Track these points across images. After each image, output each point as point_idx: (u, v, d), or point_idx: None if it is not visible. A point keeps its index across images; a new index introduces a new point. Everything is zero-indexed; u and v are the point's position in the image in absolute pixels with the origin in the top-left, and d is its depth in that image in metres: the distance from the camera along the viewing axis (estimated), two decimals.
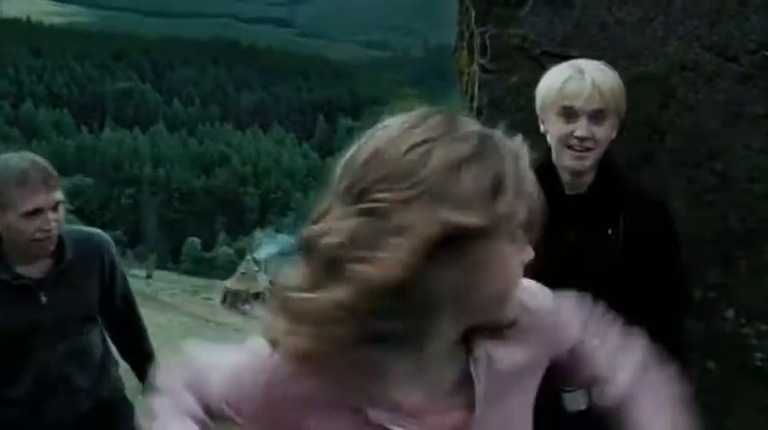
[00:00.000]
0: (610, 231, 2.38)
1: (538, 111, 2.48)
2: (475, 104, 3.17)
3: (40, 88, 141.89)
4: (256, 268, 55.86)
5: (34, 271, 2.69)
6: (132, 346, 3.12)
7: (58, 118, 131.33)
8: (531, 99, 3.01)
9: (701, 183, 2.87)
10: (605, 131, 2.36)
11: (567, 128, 2.36)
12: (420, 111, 1.11)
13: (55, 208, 2.61)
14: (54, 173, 2.66)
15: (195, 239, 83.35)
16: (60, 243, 2.71)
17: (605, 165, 2.43)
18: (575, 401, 2.30)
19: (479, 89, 3.13)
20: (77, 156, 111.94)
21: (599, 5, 2.94)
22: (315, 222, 1.07)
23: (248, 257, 58.97)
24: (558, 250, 2.06)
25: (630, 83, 2.86)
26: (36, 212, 2.56)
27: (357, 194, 1.03)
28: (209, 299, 44.01)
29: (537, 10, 3.00)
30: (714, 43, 2.85)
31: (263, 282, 54.28)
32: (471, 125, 1.10)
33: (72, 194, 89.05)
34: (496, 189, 1.04)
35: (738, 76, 2.84)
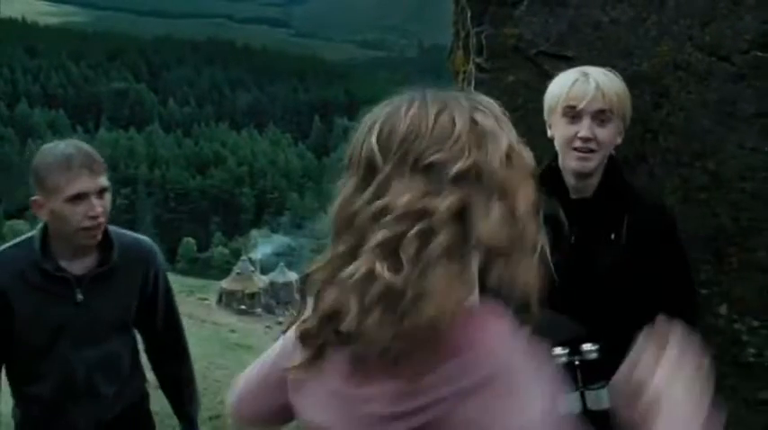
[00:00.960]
0: (613, 235, 2.41)
1: (545, 117, 2.51)
2: None
3: (35, 88, 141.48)
4: (252, 268, 55.82)
5: (76, 267, 2.63)
6: (168, 368, 3.00)
7: (54, 118, 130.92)
8: (527, 98, 3.06)
9: (694, 181, 2.89)
10: (609, 133, 2.40)
11: (571, 129, 2.40)
12: (409, 92, 1.31)
13: (100, 194, 2.55)
14: (100, 158, 2.59)
15: (190, 240, 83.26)
16: (108, 242, 2.65)
17: (610, 171, 2.47)
18: (597, 400, 2.30)
19: (475, 88, 3.15)
20: None
21: (593, 5, 2.97)
22: (370, 202, 1.20)
23: (244, 257, 58.89)
24: (562, 253, 2.06)
25: (624, 82, 2.90)
26: (80, 197, 2.50)
27: (412, 162, 1.19)
28: (205, 299, 43.99)
29: (532, 10, 3.03)
30: (707, 43, 2.88)
31: (258, 282, 54.29)
32: (451, 93, 1.30)
33: None
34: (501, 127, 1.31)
35: (731, 76, 2.86)
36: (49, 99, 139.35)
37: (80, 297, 2.61)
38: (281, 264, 55.12)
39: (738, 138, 2.85)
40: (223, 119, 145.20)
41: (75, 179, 2.49)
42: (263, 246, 63.10)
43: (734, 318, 2.94)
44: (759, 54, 2.84)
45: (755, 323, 2.92)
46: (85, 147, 2.60)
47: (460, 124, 1.22)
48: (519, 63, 3.06)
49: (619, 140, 2.46)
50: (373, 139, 1.23)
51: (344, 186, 1.26)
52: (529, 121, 3.05)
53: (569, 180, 2.47)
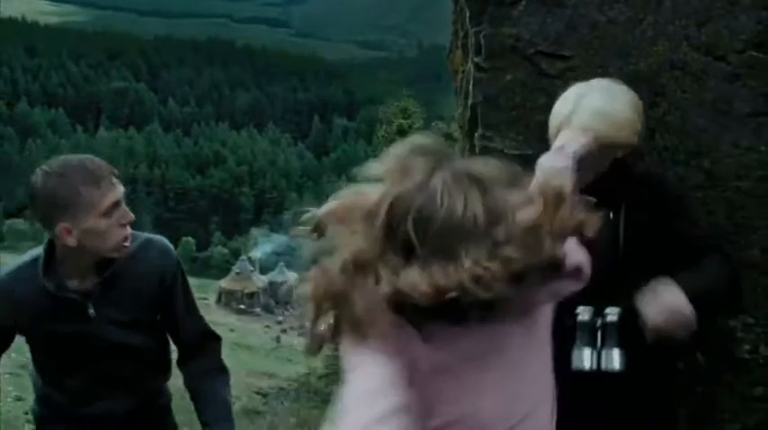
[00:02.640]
0: (611, 215, 2.46)
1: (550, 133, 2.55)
2: (470, 102, 3.22)
3: (35, 88, 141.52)
4: (251, 268, 55.85)
5: (82, 284, 2.53)
6: (194, 374, 2.83)
7: (54, 117, 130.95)
8: (525, 97, 3.09)
9: (690, 180, 2.91)
10: (590, 154, 2.40)
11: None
12: (435, 167, 1.53)
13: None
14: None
15: (190, 239, 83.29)
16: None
17: (620, 166, 2.50)
18: (611, 360, 2.36)
19: (474, 87, 3.18)
20: None
21: (590, 5, 2.99)
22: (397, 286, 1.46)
23: (243, 257, 58.92)
24: None
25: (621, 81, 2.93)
26: (115, 206, 2.42)
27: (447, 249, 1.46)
28: (204, 298, 43.98)
29: (530, 10, 3.05)
30: (703, 43, 2.90)
31: (257, 281, 54.31)
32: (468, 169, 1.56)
33: None
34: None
35: (727, 75, 2.88)
36: (48, 98, 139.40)
37: (92, 311, 2.53)
38: (281, 263, 55.15)
39: (734, 138, 2.87)
40: (223, 118, 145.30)
41: (107, 190, 2.41)
42: (263, 244, 63.13)
43: (729, 316, 2.96)
44: (755, 54, 2.86)
45: (750, 320, 2.94)
46: (90, 157, 2.50)
47: (480, 213, 1.48)
48: (517, 62, 3.08)
49: (620, 154, 2.47)
50: (409, 225, 1.47)
51: (376, 249, 1.50)
52: (526, 120, 3.08)
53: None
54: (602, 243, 2.44)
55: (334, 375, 19.49)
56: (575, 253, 1.68)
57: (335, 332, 1.58)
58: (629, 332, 2.32)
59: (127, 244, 2.50)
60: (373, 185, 1.57)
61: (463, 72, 3.38)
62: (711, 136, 2.88)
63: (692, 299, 2.28)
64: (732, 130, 2.87)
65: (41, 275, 2.49)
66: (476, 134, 3.21)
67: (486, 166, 1.57)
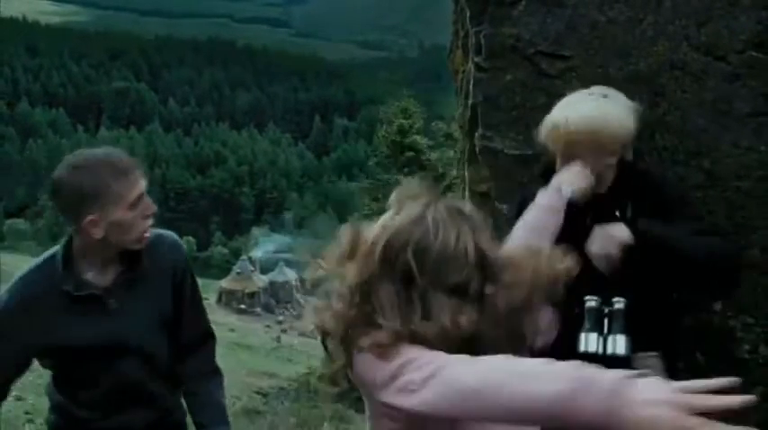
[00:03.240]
0: (618, 212, 2.52)
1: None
2: (470, 102, 3.23)
3: (36, 87, 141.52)
4: (251, 268, 55.84)
5: (105, 277, 2.52)
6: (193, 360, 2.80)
7: (54, 117, 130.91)
8: (525, 97, 3.09)
9: (690, 180, 2.92)
10: (588, 161, 2.47)
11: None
12: (428, 203, 1.67)
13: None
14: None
15: (190, 239, 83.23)
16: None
17: (625, 167, 2.55)
18: (616, 345, 2.42)
19: (474, 87, 3.19)
20: None
21: (590, 5, 3.00)
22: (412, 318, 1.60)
23: (243, 257, 58.90)
24: (577, 235, 2.35)
25: (621, 81, 2.93)
26: (140, 199, 2.44)
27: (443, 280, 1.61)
28: (205, 298, 43.68)
29: (530, 10, 3.06)
30: (703, 43, 2.90)
31: (258, 281, 54.31)
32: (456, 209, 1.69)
33: None
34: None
35: (726, 75, 2.89)
36: (49, 98, 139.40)
37: (113, 303, 2.52)
38: (281, 263, 55.17)
39: (733, 138, 2.87)
40: (223, 118, 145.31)
41: (135, 182, 2.42)
42: (264, 244, 63.16)
43: (729, 315, 2.97)
44: (754, 54, 2.86)
45: (750, 320, 2.95)
46: (116, 150, 2.51)
47: (470, 248, 1.62)
48: (517, 62, 3.09)
49: (612, 161, 2.51)
50: (410, 256, 1.60)
51: (379, 283, 1.64)
52: (526, 120, 3.08)
53: None
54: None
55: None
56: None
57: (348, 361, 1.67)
58: (635, 324, 2.39)
59: (147, 235, 2.51)
60: (368, 223, 1.73)
61: (463, 72, 3.38)
62: (711, 136, 2.89)
63: (648, 237, 2.37)
64: (732, 130, 2.87)
65: (61, 271, 2.47)
66: (476, 134, 3.21)
67: (472, 208, 1.73)
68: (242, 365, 25.45)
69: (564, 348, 1.89)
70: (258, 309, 53.52)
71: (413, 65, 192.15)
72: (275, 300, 54.38)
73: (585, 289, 2.07)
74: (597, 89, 2.56)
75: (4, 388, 2.59)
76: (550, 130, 2.49)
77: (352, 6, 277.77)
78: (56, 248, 2.56)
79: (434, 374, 1.47)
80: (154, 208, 2.50)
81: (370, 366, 1.60)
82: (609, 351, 2.41)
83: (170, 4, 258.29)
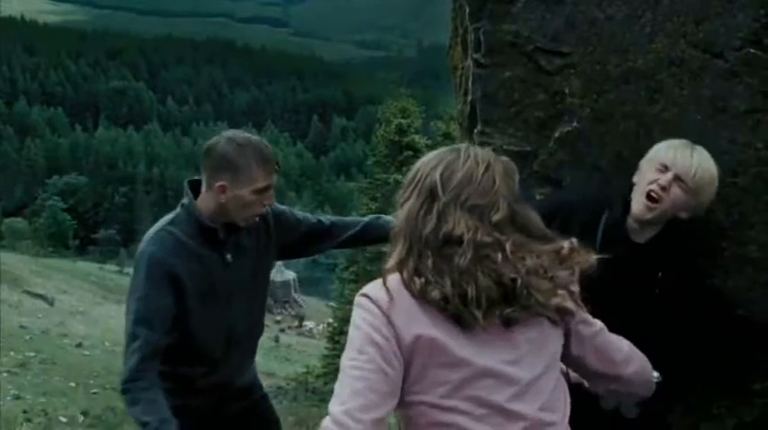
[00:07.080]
0: (660, 274, 2.65)
1: (642, 161, 2.71)
2: (469, 98, 3.24)
3: (33, 86, 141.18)
4: None
5: (217, 235, 2.87)
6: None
7: (52, 116, 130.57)
8: (523, 93, 3.10)
9: None
10: (680, 198, 2.59)
11: (654, 176, 2.61)
12: (452, 148, 1.90)
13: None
14: None
15: None
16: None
17: (670, 226, 2.67)
18: (628, 409, 2.48)
19: (473, 83, 3.20)
20: (71, 155, 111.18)
21: (589, 2, 3.01)
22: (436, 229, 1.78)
23: None
24: (615, 285, 2.42)
25: (619, 78, 2.94)
26: (266, 189, 2.81)
27: (463, 200, 1.79)
28: None
29: (529, 6, 3.07)
30: (700, 40, 2.91)
31: None
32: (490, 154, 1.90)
33: (66, 193, 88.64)
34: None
35: (724, 72, 2.90)
36: (47, 97, 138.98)
37: (229, 257, 2.90)
38: (280, 263, 55.08)
39: (731, 134, 2.89)
40: (222, 118, 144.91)
41: (269, 175, 2.81)
42: None
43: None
44: (752, 51, 2.87)
45: (746, 315, 2.96)
46: (266, 143, 2.87)
47: (498, 180, 1.81)
48: (516, 59, 3.10)
49: (683, 215, 2.64)
50: (437, 176, 1.81)
51: (407, 201, 1.84)
52: (525, 116, 3.10)
53: (631, 224, 2.69)
54: (640, 280, 2.61)
55: (331, 374, 19.49)
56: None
57: None
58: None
59: (256, 219, 2.90)
60: None
61: (462, 68, 3.39)
62: (708, 132, 2.90)
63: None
64: (729, 127, 2.89)
65: (195, 223, 2.83)
66: (475, 130, 3.22)
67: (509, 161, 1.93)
68: None
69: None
70: None
71: (411, 64, 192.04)
72: (273, 299, 54.30)
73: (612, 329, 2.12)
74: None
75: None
76: (676, 172, 2.58)
77: (351, 6, 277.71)
78: (170, 216, 2.91)
79: None
80: (272, 201, 2.89)
81: None
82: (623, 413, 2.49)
83: (168, 3, 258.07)
